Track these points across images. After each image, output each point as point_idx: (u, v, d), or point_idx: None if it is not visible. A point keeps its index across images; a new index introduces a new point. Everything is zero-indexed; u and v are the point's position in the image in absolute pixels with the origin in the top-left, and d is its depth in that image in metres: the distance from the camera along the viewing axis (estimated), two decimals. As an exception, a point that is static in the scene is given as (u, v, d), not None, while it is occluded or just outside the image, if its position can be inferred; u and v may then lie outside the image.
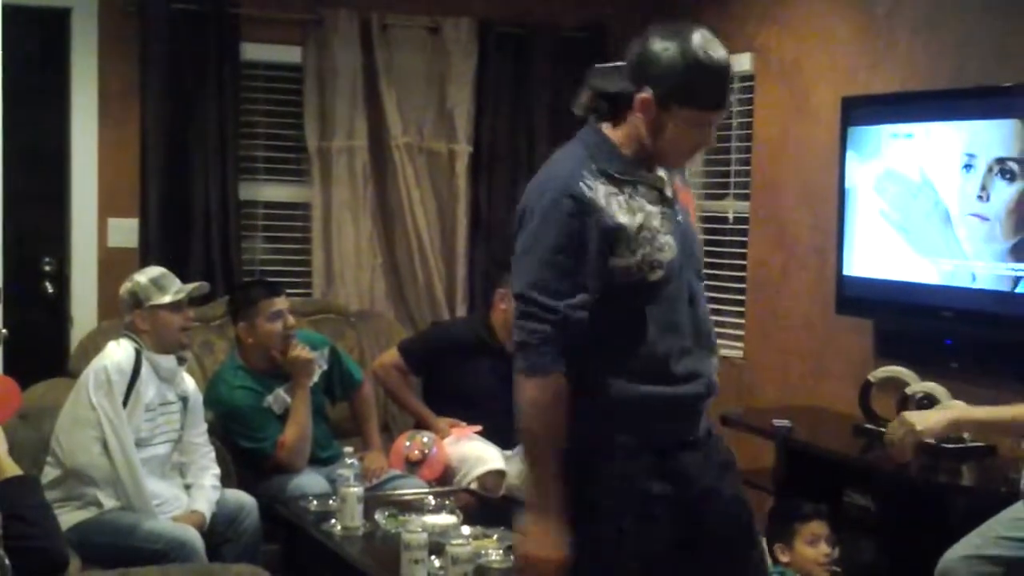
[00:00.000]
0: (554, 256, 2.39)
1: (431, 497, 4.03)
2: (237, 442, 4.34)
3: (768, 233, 5.18)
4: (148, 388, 3.92)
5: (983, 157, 4.02)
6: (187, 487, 4.03)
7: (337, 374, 4.59)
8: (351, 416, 4.71)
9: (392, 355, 4.80)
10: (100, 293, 5.09)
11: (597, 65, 2.59)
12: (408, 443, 4.58)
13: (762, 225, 5.22)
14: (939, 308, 4.20)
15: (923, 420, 3.05)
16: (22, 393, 3.62)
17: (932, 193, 4.23)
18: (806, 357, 4.96)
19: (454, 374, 4.69)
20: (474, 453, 4.54)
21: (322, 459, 4.43)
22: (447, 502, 3.96)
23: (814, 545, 3.79)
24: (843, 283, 4.61)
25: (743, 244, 5.29)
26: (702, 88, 2.41)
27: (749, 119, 5.25)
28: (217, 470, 4.09)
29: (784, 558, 3.77)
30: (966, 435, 3.85)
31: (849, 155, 4.55)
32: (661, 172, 2.52)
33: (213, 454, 4.12)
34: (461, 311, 5.50)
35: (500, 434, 4.47)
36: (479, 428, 4.64)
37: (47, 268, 5.19)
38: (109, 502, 3.79)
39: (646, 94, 2.41)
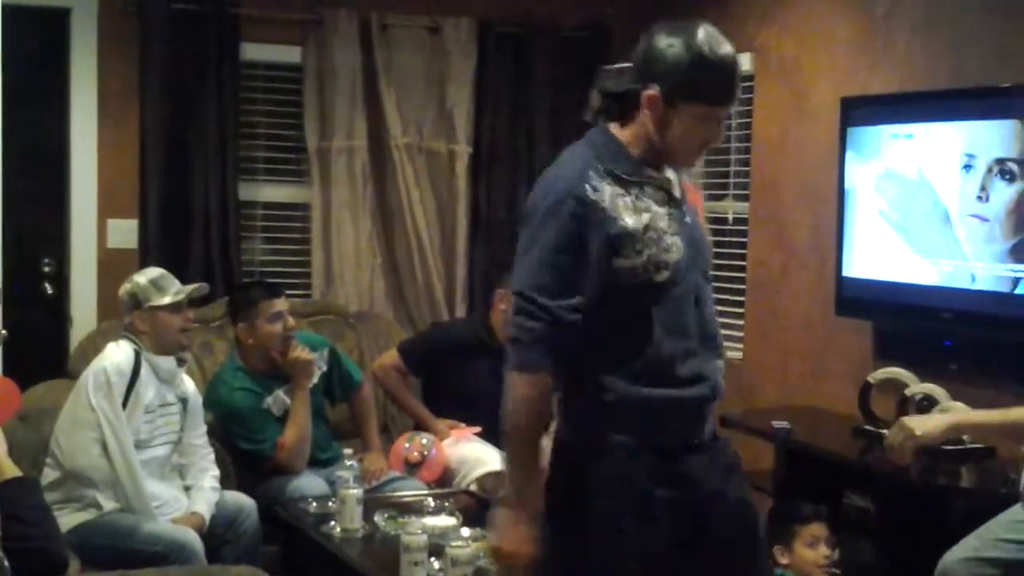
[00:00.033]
0: (553, 257, 2.39)
1: (430, 499, 4.04)
2: (236, 444, 4.34)
3: (767, 233, 5.18)
4: (147, 389, 3.92)
5: (983, 158, 4.02)
6: (186, 489, 4.03)
7: (337, 375, 4.59)
8: (350, 417, 4.71)
9: (391, 356, 4.80)
10: (99, 294, 5.09)
11: (605, 68, 2.59)
12: (407, 445, 4.58)
13: (761, 225, 5.21)
14: (938, 309, 4.19)
15: (922, 425, 3.05)
16: (21, 394, 3.61)
17: (931, 194, 4.23)
18: (805, 358, 4.96)
19: (453, 375, 4.69)
20: (473, 455, 4.54)
21: (321, 461, 4.43)
22: (446, 504, 3.96)
23: (813, 547, 3.79)
24: (843, 284, 4.60)
25: (742, 245, 5.29)
26: (708, 83, 2.41)
27: (748, 119, 5.25)
28: (216, 472, 4.09)
29: (783, 560, 3.77)
30: (965, 437, 3.85)
31: (849, 155, 4.55)
32: (669, 172, 2.52)
33: (212, 456, 4.13)
34: (461, 312, 5.50)
35: (499, 435, 4.45)
36: (478, 429, 4.64)
37: (46, 269, 5.19)
38: (108, 504, 3.79)
39: (653, 91, 2.42)
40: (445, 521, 3.78)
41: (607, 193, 2.41)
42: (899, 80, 4.52)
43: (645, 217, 2.42)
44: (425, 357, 4.77)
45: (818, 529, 3.81)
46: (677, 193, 2.50)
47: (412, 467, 4.52)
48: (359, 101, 5.40)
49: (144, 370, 3.92)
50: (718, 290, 5.28)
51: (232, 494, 4.10)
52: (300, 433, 4.30)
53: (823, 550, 3.79)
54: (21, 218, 5.01)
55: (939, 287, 4.21)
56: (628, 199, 2.42)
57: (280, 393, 4.36)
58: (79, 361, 4.38)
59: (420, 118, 5.52)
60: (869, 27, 4.68)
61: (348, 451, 4.20)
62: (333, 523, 3.82)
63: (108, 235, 5.16)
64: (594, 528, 2.46)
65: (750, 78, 5.14)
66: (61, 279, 5.19)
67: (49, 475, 3.82)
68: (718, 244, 5.40)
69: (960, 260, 4.12)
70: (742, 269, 5.30)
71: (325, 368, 4.53)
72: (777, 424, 4.38)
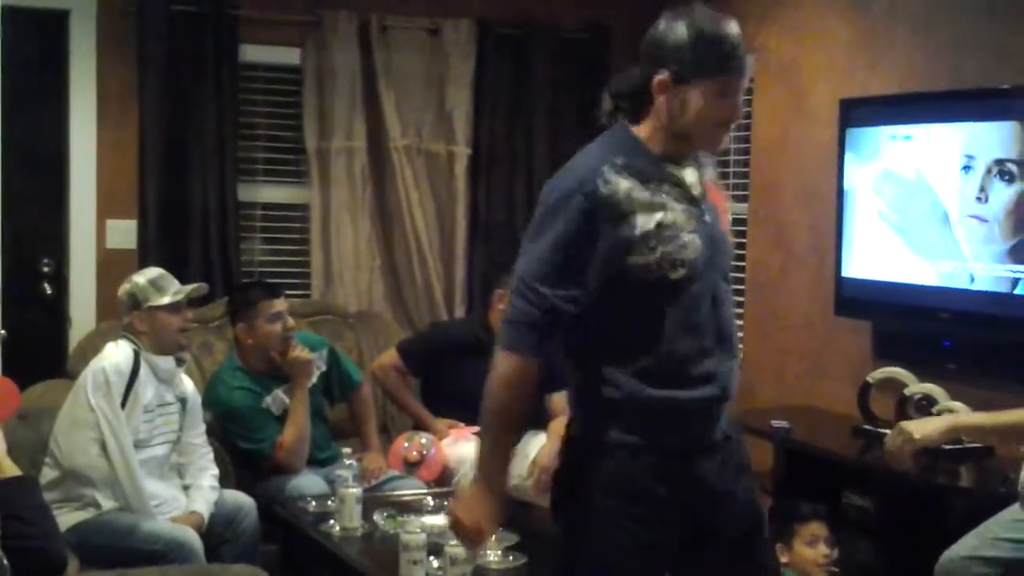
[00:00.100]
0: (556, 248, 2.39)
1: (429, 498, 4.04)
2: (236, 443, 4.34)
3: (767, 234, 5.19)
4: (146, 389, 3.92)
5: (982, 158, 4.02)
6: (185, 488, 4.03)
7: (336, 375, 4.59)
8: (350, 417, 4.71)
9: (391, 356, 4.80)
10: (99, 294, 5.09)
11: (615, 74, 2.60)
12: (406, 444, 4.58)
13: (761, 226, 5.22)
14: (937, 309, 4.20)
15: (921, 428, 3.05)
16: (21, 394, 3.62)
17: (930, 194, 4.24)
18: (805, 358, 4.96)
19: (452, 375, 4.68)
20: (472, 454, 4.49)
21: (320, 460, 4.43)
22: (445, 503, 3.96)
23: (813, 546, 3.79)
24: (842, 284, 4.61)
25: (742, 245, 5.30)
26: (714, 57, 2.41)
27: (748, 120, 5.25)
28: (216, 471, 4.09)
29: (783, 559, 3.78)
30: (964, 437, 3.85)
31: (848, 156, 4.56)
32: (689, 171, 2.50)
33: (212, 455, 4.13)
34: (460, 312, 5.50)
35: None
36: (477, 429, 4.63)
37: (46, 269, 5.19)
38: (107, 503, 3.79)
39: (662, 76, 2.42)
40: (444, 520, 3.78)
41: (622, 188, 2.40)
42: (898, 81, 4.53)
43: (659, 214, 2.40)
44: (424, 357, 4.77)
45: (817, 528, 3.81)
46: (697, 191, 2.49)
47: (411, 466, 4.52)
48: (358, 102, 5.40)
49: (143, 370, 3.92)
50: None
51: (231, 493, 4.10)
52: (299, 432, 4.31)
53: (822, 549, 3.79)
54: (20, 218, 5.02)
55: (938, 287, 4.22)
56: (644, 194, 2.41)
57: (279, 393, 4.37)
58: (78, 361, 4.38)
59: (419, 119, 5.53)
60: (868, 28, 4.69)
61: (347, 450, 4.20)
62: (332, 522, 3.82)
63: (107, 235, 5.16)
64: (595, 526, 2.46)
65: (749, 79, 5.15)
66: (60, 279, 5.18)
67: (48, 474, 3.82)
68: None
69: (959, 261, 4.12)
70: (741, 269, 5.30)
71: (324, 368, 4.53)
72: (776, 424, 4.38)
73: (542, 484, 4.40)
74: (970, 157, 4.07)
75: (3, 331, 4.13)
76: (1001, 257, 3.98)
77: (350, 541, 3.74)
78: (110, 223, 5.16)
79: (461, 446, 4.58)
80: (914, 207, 4.31)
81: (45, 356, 4.98)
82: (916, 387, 4.10)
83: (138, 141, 5.10)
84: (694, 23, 2.42)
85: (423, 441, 4.56)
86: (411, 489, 4.30)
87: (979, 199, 4.04)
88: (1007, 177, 3.95)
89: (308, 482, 4.26)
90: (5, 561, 2.79)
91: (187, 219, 5.17)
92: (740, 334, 5.24)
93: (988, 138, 4.02)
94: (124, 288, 4.03)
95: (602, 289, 2.41)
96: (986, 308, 4.03)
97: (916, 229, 4.31)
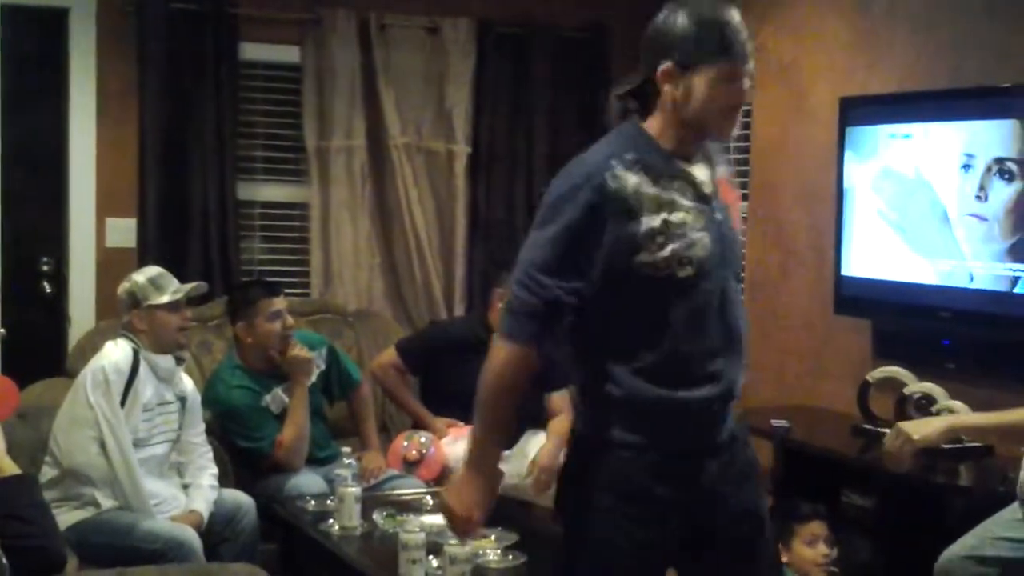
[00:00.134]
0: (560, 239, 2.39)
1: (429, 497, 4.04)
2: (235, 442, 4.34)
3: (766, 233, 5.19)
4: (146, 388, 3.92)
5: (982, 157, 4.02)
6: (185, 487, 4.03)
7: (335, 374, 4.59)
8: (349, 416, 4.71)
9: (390, 354, 4.80)
10: (98, 293, 5.08)
11: (617, 80, 2.59)
12: (406, 443, 4.57)
13: (760, 225, 5.22)
14: (937, 308, 4.20)
15: (919, 429, 3.05)
16: (20, 392, 3.63)
17: (930, 193, 4.24)
18: (804, 357, 4.96)
19: (452, 374, 4.68)
20: (472, 453, 4.53)
21: (320, 459, 4.43)
22: (445, 502, 3.96)
23: (812, 546, 3.79)
24: (841, 283, 4.61)
25: (741, 244, 5.29)
26: (714, 42, 2.40)
27: (747, 119, 5.25)
28: (215, 470, 4.09)
29: (783, 558, 3.77)
30: (963, 437, 3.85)
31: (847, 155, 4.56)
32: (701, 168, 2.49)
33: (211, 454, 4.13)
34: (459, 311, 5.50)
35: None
36: (477, 428, 4.63)
37: (45, 268, 5.18)
38: (107, 502, 3.78)
39: (666, 65, 2.42)
40: (443, 519, 3.78)
41: (630, 183, 2.39)
42: (898, 80, 4.53)
43: (666, 211, 2.39)
44: (423, 355, 4.77)
45: (817, 527, 3.81)
46: (708, 189, 2.47)
47: (410, 465, 4.51)
48: (358, 101, 5.40)
49: (142, 369, 3.92)
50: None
51: (230, 492, 4.10)
52: (298, 431, 4.30)
53: (822, 548, 3.79)
54: (20, 217, 5.03)
55: (938, 286, 4.22)
56: (653, 191, 2.40)
57: (278, 391, 4.36)
58: (77, 360, 4.38)
59: (419, 118, 5.52)
60: (867, 27, 4.69)
61: (346, 449, 4.20)
62: (331, 521, 3.82)
63: (107, 234, 5.16)
64: (595, 525, 2.45)
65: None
66: (60, 278, 5.18)
67: (47, 473, 3.82)
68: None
69: (959, 259, 4.12)
70: (741, 268, 5.30)
71: (324, 367, 4.53)
72: (776, 423, 4.38)
73: (541, 483, 4.40)
74: (970, 156, 4.07)
75: (3, 330, 4.14)
76: (1001, 256, 3.98)
77: (349, 540, 3.74)
78: (109, 222, 5.16)
79: (460, 445, 4.56)
80: (913, 206, 4.31)
81: (44, 355, 4.98)
82: (916, 386, 4.10)
83: (138, 139, 5.10)
84: (694, 11, 2.41)
85: (422, 440, 4.56)
86: (410, 488, 4.30)
87: (979, 198, 4.04)
88: (1007, 176, 3.95)
89: (307, 481, 4.26)
90: (4, 560, 2.79)
91: (186, 218, 5.17)
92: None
93: (988, 137, 4.02)
94: (123, 287, 4.03)
95: (607, 285, 2.40)
96: (986, 307, 4.03)
97: (916, 228, 4.31)
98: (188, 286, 4.08)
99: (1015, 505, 3.22)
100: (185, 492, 4.01)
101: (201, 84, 5.16)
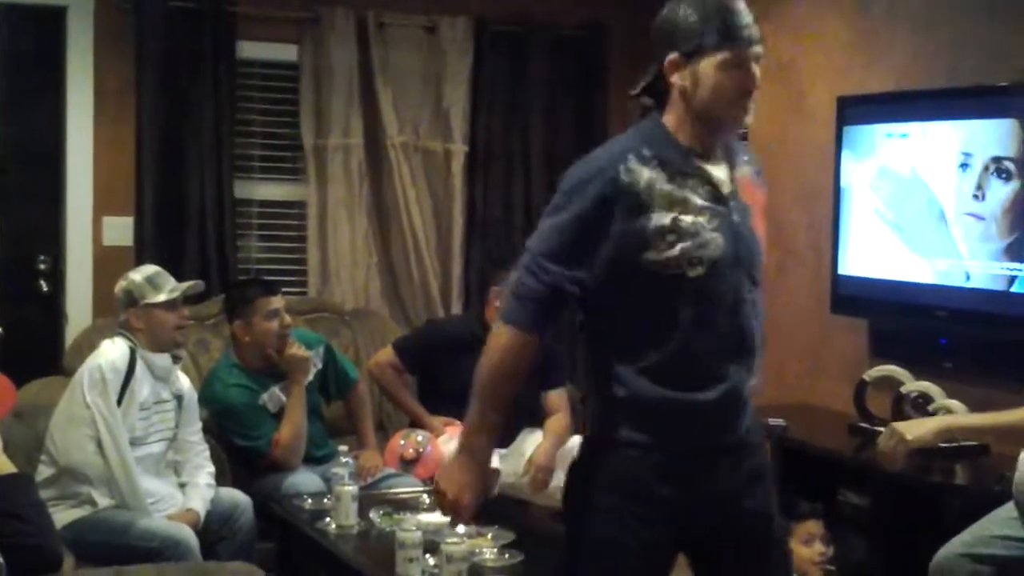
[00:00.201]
0: (568, 227, 2.39)
1: (426, 495, 4.04)
2: (232, 440, 4.34)
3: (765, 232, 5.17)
4: (143, 386, 3.92)
5: (979, 156, 4.02)
6: (182, 485, 4.03)
7: (332, 373, 4.59)
8: (346, 415, 4.71)
9: (387, 353, 4.79)
10: (95, 291, 5.09)
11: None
12: (403, 442, 4.57)
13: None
14: (934, 307, 4.20)
15: (913, 430, 3.05)
16: (17, 391, 3.62)
17: (927, 192, 4.24)
18: (801, 356, 4.96)
19: (449, 372, 4.67)
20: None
21: (317, 458, 4.43)
22: (442, 501, 3.95)
23: (809, 544, 3.79)
24: (838, 282, 4.61)
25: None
26: (719, 29, 2.39)
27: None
28: (212, 468, 4.09)
29: (779, 557, 3.77)
30: (958, 437, 3.85)
31: (845, 154, 4.55)
32: (720, 166, 2.47)
33: (208, 452, 4.13)
34: (456, 309, 5.50)
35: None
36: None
37: (42, 266, 5.18)
38: (103, 500, 3.78)
39: (673, 56, 2.42)
40: (440, 518, 3.77)
41: (643, 178, 2.38)
42: (895, 79, 4.53)
43: (677, 210, 2.38)
44: (420, 354, 4.76)
45: (813, 526, 3.81)
46: (726, 189, 2.45)
47: (407, 464, 4.51)
48: (355, 100, 5.40)
49: (139, 367, 3.92)
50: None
51: (227, 491, 4.10)
52: (295, 430, 4.30)
53: (818, 547, 3.79)
54: (17, 215, 5.03)
55: (935, 285, 4.21)
56: (666, 188, 2.38)
57: (276, 390, 4.36)
58: (74, 358, 4.37)
59: (416, 117, 5.52)
60: (865, 26, 4.69)
61: (344, 448, 4.20)
62: (328, 520, 3.82)
63: (104, 232, 5.16)
64: (598, 523, 2.45)
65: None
66: (57, 276, 5.18)
67: (44, 472, 3.82)
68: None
69: (956, 259, 4.12)
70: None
71: (321, 365, 4.53)
72: (773, 422, 4.37)
73: (538, 482, 4.40)
74: (967, 155, 4.07)
75: (0, 328, 4.13)
76: (998, 255, 3.98)
77: (346, 539, 3.74)
78: (107, 220, 5.17)
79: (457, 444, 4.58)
80: (911, 205, 4.31)
81: (41, 353, 4.98)
82: (912, 385, 4.10)
83: (135, 138, 5.10)
84: (696, 2, 2.41)
85: (419, 439, 4.56)
86: (407, 487, 4.30)
87: (976, 197, 4.03)
88: (1004, 175, 3.94)
89: (304, 480, 4.26)
90: (1, 559, 2.79)
91: (184, 216, 5.17)
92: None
93: (986, 136, 4.02)
94: (120, 285, 4.03)
95: (613, 280, 2.39)
96: (982, 306, 4.03)
97: (913, 227, 4.31)
98: (185, 284, 4.09)
99: (1011, 504, 3.22)
100: (182, 491, 4.01)
101: (199, 82, 5.16)
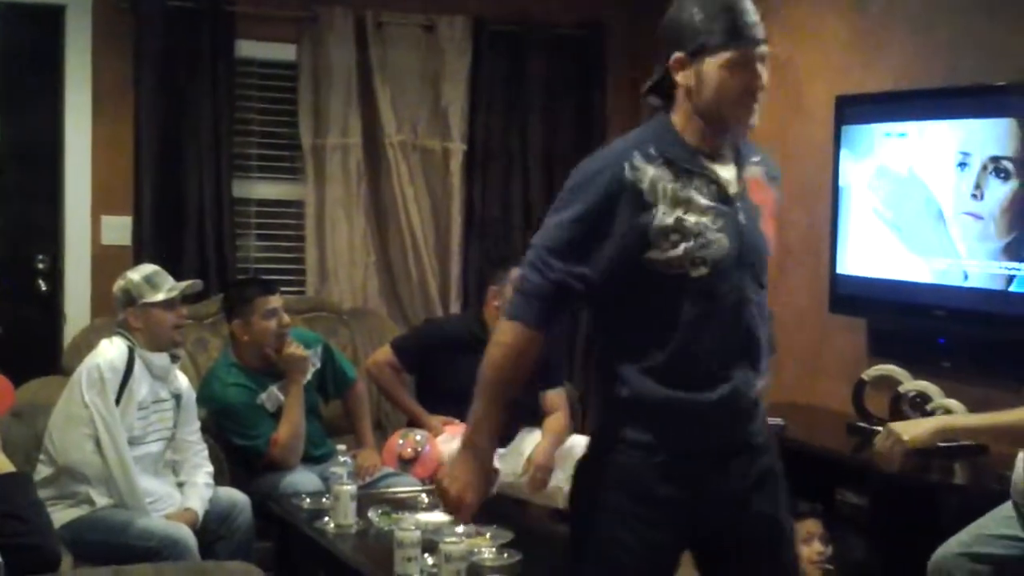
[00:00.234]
0: (573, 224, 2.40)
1: (424, 495, 4.04)
2: (230, 440, 4.34)
3: (763, 231, 5.18)
4: (141, 386, 3.92)
5: (977, 155, 4.02)
6: (180, 485, 4.03)
7: (330, 372, 4.59)
8: (344, 414, 4.71)
9: (385, 352, 4.79)
10: (93, 290, 5.08)
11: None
12: (401, 441, 4.57)
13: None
14: (932, 307, 4.20)
15: (910, 430, 3.05)
16: (15, 390, 3.62)
17: (925, 191, 4.24)
18: (800, 355, 4.96)
19: (447, 371, 4.67)
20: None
21: (315, 457, 4.43)
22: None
23: (808, 544, 3.80)
24: (837, 281, 4.61)
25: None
26: (723, 27, 2.38)
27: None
28: (210, 468, 4.09)
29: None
30: (955, 436, 3.85)
31: (843, 154, 4.56)
32: (727, 167, 2.46)
33: (206, 452, 4.12)
34: (455, 309, 5.50)
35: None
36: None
37: (40, 265, 5.18)
38: (102, 500, 3.78)
39: (678, 55, 2.42)
40: (439, 517, 3.77)
41: (648, 175, 2.38)
42: (894, 78, 4.53)
43: (680, 209, 2.37)
44: (418, 353, 4.76)
45: (812, 526, 3.82)
46: (732, 189, 2.44)
47: (406, 463, 4.51)
48: (354, 99, 5.40)
49: (137, 366, 3.92)
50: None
51: (226, 490, 4.10)
52: (294, 429, 4.30)
53: (817, 546, 3.80)
54: (15, 214, 5.03)
55: (933, 285, 4.22)
56: (671, 187, 2.38)
57: (274, 389, 4.36)
58: (72, 357, 4.37)
59: (415, 116, 5.52)
60: (864, 26, 4.69)
61: (342, 447, 4.19)
62: (327, 519, 3.82)
63: (102, 231, 5.16)
64: (602, 524, 2.45)
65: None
66: (55, 275, 5.18)
67: (42, 471, 3.82)
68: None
69: (954, 258, 4.13)
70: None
71: (319, 365, 4.52)
72: (771, 421, 4.35)
73: (537, 481, 4.40)
74: (965, 154, 4.07)
75: (-2, 327, 4.14)
76: (996, 254, 3.98)
77: (344, 538, 3.74)
78: (105, 219, 5.16)
79: (456, 443, 4.54)
80: (909, 204, 4.31)
81: (39, 352, 4.98)
82: (911, 384, 4.10)
83: (133, 137, 5.10)
84: (699, 1, 2.41)
85: (418, 438, 4.55)
86: (406, 486, 4.30)
87: (974, 196, 4.04)
88: (1003, 174, 3.95)
89: (303, 479, 4.26)
90: (-1, 558, 2.79)
91: (182, 215, 5.17)
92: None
93: (984, 135, 4.02)
94: (119, 284, 4.03)
95: (617, 278, 2.39)
96: (981, 305, 4.03)
97: (911, 226, 4.31)
98: (183, 284, 4.08)
99: (1009, 503, 3.22)
100: (180, 490, 4.00)
101: (197, 81, 5.15)
